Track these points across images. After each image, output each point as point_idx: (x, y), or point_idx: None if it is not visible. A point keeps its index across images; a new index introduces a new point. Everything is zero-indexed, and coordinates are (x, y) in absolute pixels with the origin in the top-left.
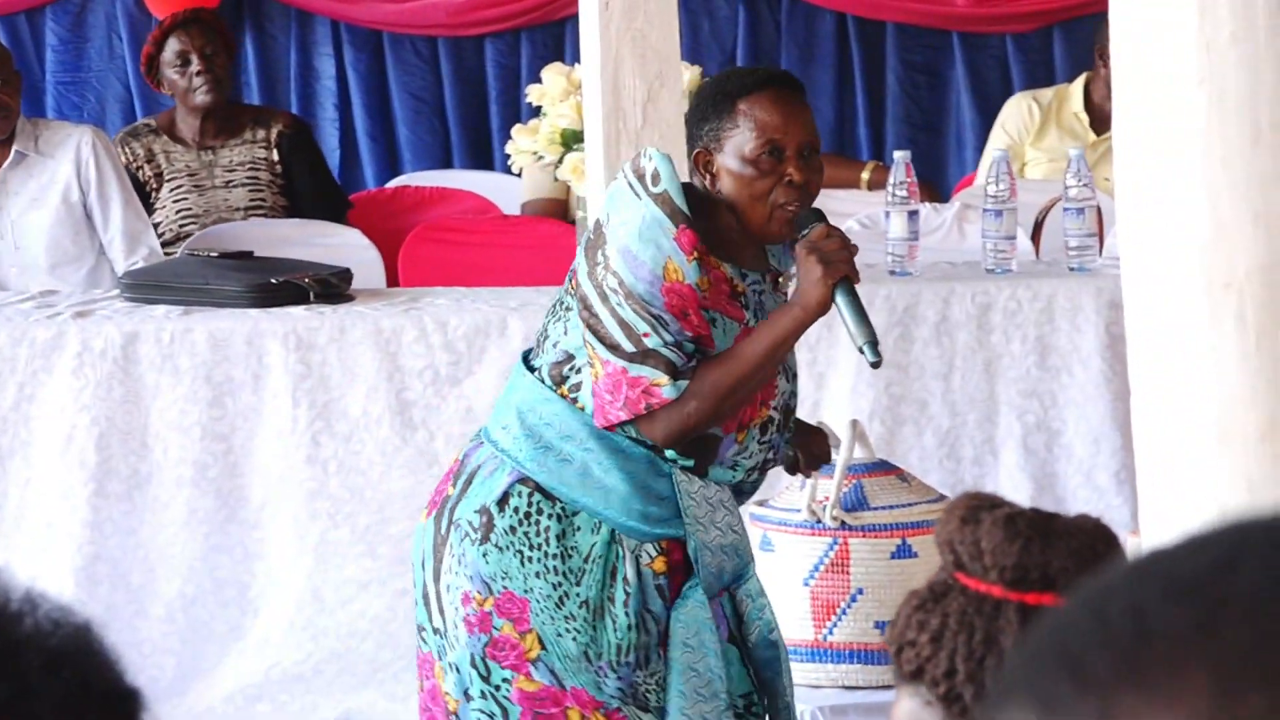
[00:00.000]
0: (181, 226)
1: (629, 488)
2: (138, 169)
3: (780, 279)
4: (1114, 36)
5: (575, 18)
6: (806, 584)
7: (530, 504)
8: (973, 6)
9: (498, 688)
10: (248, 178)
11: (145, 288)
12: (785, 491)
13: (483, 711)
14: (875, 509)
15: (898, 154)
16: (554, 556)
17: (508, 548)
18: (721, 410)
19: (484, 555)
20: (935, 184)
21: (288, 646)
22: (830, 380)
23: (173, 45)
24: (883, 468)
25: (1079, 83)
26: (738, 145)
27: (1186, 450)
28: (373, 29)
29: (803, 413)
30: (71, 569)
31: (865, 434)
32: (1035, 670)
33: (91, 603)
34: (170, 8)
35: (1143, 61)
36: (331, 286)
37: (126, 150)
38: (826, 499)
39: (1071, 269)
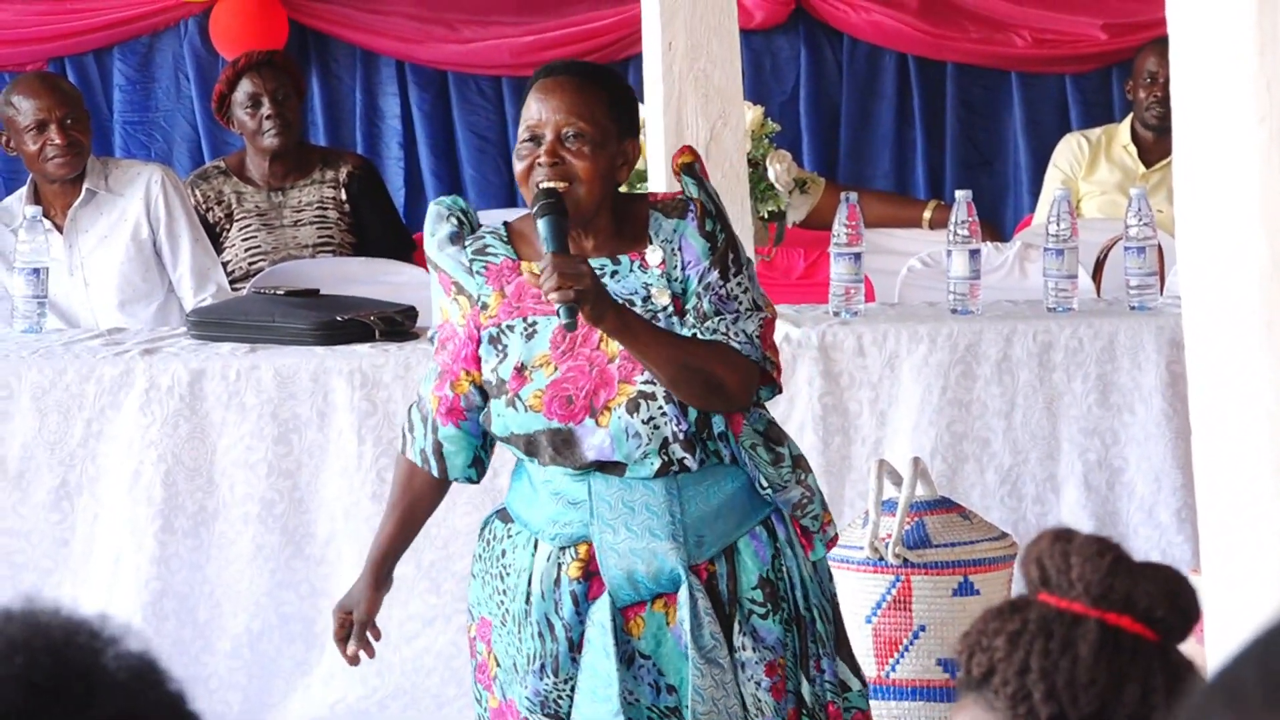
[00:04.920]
0: (251, 263)
1: (546, 494)
2: (207, 210)
3: (644, 254)
4: (1174, 74)
5: (638, 58)
6: (869, 621)
7: (492, 532)
8: (1032, 47)
9: (485, 709)
10: (316, 217)
11: (212, 325)
12: (848, 529)
13: None
14: (937, 546)
15: (959, 193)
16: (496, 577)
17: (478, 575)
18: None
19: (470, 586)
20: (992, 223)
21: (353, 682)
22: (892, 418)
23: (245, 87)
24: (945, 505)
25: (1127, 120)
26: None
27: (1247, 488)
28: (437, 69)
29: (864, 450)
30: (139, 604)
31: (927, 471)
32: (1200, 707)
33: (158, 638)
34: (239, 48)
35: (1203, 99)
36: (396, 324)
37: (196, 192)
38: (889, 536)
39: (1133, 308)
